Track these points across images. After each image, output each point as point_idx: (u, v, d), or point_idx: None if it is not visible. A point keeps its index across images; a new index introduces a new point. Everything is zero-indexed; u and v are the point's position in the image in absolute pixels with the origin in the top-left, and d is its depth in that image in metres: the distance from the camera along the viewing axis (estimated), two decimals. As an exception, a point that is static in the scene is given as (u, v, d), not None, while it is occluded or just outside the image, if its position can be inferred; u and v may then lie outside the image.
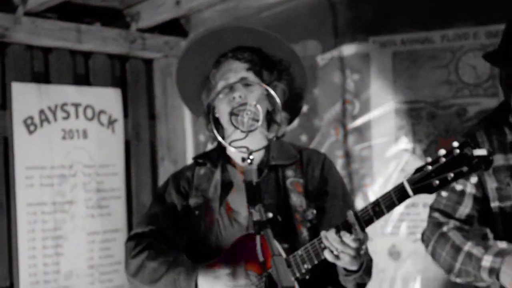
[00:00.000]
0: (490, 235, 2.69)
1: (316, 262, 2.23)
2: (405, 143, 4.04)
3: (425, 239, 2.78)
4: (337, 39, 4.19)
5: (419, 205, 3.93)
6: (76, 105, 4.18)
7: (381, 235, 4.05)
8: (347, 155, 4.19)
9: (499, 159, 2.63)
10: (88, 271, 4.15)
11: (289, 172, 2.48)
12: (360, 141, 4.15)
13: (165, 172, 4.49)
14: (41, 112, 4.02)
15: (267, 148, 2.49)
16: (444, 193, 2.12)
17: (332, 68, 4.22)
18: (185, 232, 2.51)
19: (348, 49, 4.17)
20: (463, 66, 3.90)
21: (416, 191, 2.06)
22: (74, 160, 4.14)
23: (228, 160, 2.56)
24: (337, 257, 2.16)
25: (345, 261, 2.17)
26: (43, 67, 4.11)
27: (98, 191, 4.24)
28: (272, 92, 2.29)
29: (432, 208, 2.78)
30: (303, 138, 4.28)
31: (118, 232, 4.29)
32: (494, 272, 2.49)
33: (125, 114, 4.44)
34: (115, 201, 4.31)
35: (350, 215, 2.12)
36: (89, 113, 4.23)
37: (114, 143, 4.35)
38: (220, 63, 2.51)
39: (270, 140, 2.48)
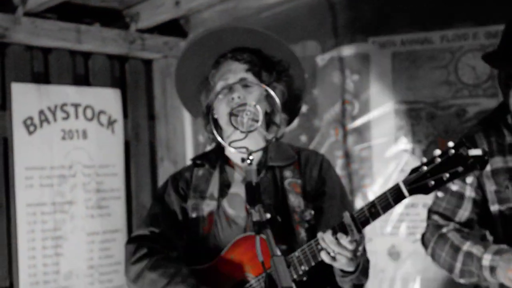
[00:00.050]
0: (490, 237, 2.68)
1: (313, 263, 2.23)
2: (405, 143, 4.04)
3: (424, 241, 2.78)
4: (336, 40, 4.19)
5: (419, 206, 3.93)
6: (76, 106, 4.18)
7: (381, 235, 4.05)
8: (347, 156, 4.19)
9: (498, 162, 2.63)
10: (87, 271, 4.15)
11: (287, 173, 2.48)
12: (359, 141, 4.15)
13: (164, 172, 4.49)
14: (41, 112, 4.02)
15: (265, 149, 2.49)
16: (440, 194, 2.12)
17: (332, 68, 4.22)
18: (185, 233, 2.51)
19: (348, 50, 4.17)
20: (463, 66, 3.90)
21: (411, 192, 2.06)
22: (73, 160, 4.14)
23: (226, 161, 2.56)
24: (333, 258, 2.16)
25: (342, 263, 2.17)
26: (43, 68, 4.11)
27: (98, 192, 4.24)
28: (272, 93, 2.30)
29: (431, 211, 2.78)
30: (303, 138, 4.28)
31: (118, 232, 4.29)
32: (494, 270, 2.49)
33: (125, 115, 4.44)
34: (114, 202, 4.31)
35: (346, 216, 2.12)
36: (88, 113, 4.23)
37: (114, 143, 4.35)
38: (220, 63, 2.51)
39: (269, 141, 2.48)
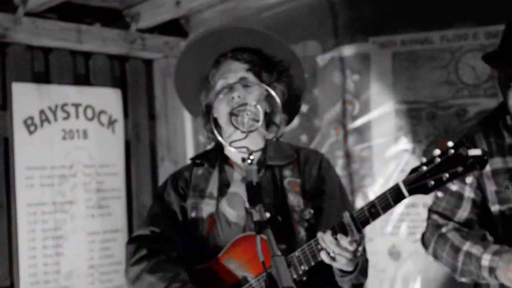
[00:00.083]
0: (490, 238, 2.69)
1: (313, 263, 2.23)
2: (405, 143, 4.04)
3: (425, 241, 2.79)
4: (337, 40, 4.19)
5: (419, 205, 3.93)
6: (76, 105, 4.18)
7: (381, 235, 4.05)
8: (347, 156, 4.19)
9: (497, 162, 2.63)
10: (88, 271, 4.16)
11: (286, 172, 2.48)
12: (360, 141, 4.15)
13: (165, 172, 4.49)
14: (41, 112, 4.02)
15: (264, 148, 2.49)
16: (440, 194, 2.11)
17: (332, 68, 4.22)
18: (184, 232, 2.51)
19: (348, 50, 4.17)
20: (463, 66, 3.90)
21: (411, 192, 2.06)
22: (74, 160, 4.14)
23: (226, 160, 2.56)
24: (333, 259, 2.16)
25: (342, 263, 2.17)
26: (44, 67, 4.12)
27: (98, 191, 4.24)
28: (273, 93, 2.30)
29: (431, 211, 2.78)
30: (303, 138, 4.28)
31: (118, 232, 4.30)
32: (493, 271, 2.49)
33: (125, 115, 4.45)
34: (115, 201, 4.32)
35: (346, 216, 2.12)
36: (89, 113, 4.24)
37: (114, 143, 4.35)
38: (220, 63, 2.51)
39: (269, 140, 2.48)
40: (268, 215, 1.95)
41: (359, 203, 4.06)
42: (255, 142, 2.43)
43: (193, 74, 2.57)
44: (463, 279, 2.67)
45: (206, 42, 2.52)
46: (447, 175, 2.00)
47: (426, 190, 2.04)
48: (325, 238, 2.13)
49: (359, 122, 4.16)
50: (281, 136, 2.58)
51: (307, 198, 2.45)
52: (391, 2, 4.01)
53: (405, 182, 2.06)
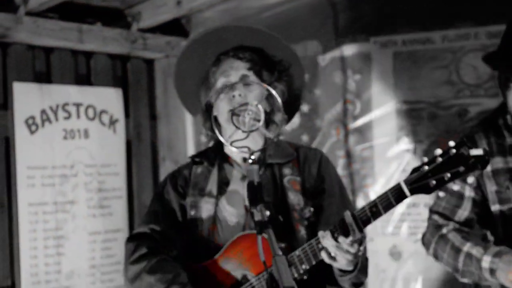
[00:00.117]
0: (491, 237, 2.69)
1: (314, 262, 2.23)
2: (406, 143, 4.04)
3: (425, 242, 2.79)
4: (338, 39, 4.19)
5: (420, 205, 3.93)
6: (78, 105, 4.18)
7: (382, 235, 4.05)
8: (348, 155, 4.19)
9: (498, 162, 2.63)
10: (89, 271, 4.16)
11: (286, 170, 2.48)
12: (361, 141, 4.15)
13: (166, 172, 4.47)
14: (43, 112, 4.02)
15: (264, 147, 2.50)
16: (441, 194, 2.11)
17: (333, 68, 4.22)
18: (184, 230, 2.50)
19: (349, 49, 4.17)
20: (464, 66, 3.90)
21: (413, 192, 2.06)
22: (75, 160, 4.14)
23: (225, 158, 2.55)
24: (334, 258, 2.16)
25: (342, 264, 2.17)
26: (45, 67, 4.12)
27: (100, 191, 4.24)
28: (274, 93, 2.30)
29: (432, 211, 2.79)
30: (304, 138, 4.28)
31: (120, 232, 4.30)
32: (494, 272, 2.50)
33: (126, 114, 4.45)
34: (116, 201, 4.32)
35: (347, 216, 2.12)
36: (90, 113, 4.24)
37: (115, 143, 4.35)
38: (221, 61, 2.50)
39: (269, 139, 2.48)
40: (268, 213, 1.95)
41: (360, 203, 4.06)
42: (256, 142, 2.44)
43: (193, 72, 2.57)
44: (465, 280, 2.67)
45: (207, 40, 2.52)
46: (448, 174, 1.99)
47: (427, 190, 2.04)
48: (326, 242, 2.13)
49: (360, 122, 4.16)
50: (280, 134, 2.58)
51: (307, 196, 2.45)
52: (392, 2, 4.01)
53: (406, 181, 2.06)
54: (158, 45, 4.50)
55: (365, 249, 2.32)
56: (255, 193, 2.01)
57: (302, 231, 2.39)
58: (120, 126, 4.37)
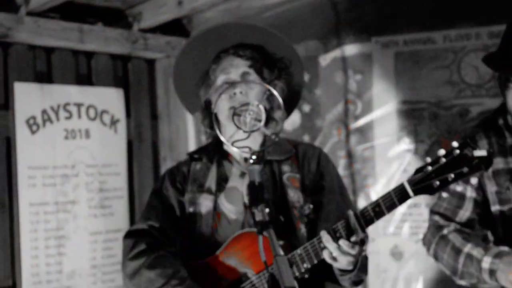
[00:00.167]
0: (491, 238, 2.69)
1: (315, 261, 2.23)
2: (407, 143, 4.04)
3: (426, 242, 2.79)
4: (339, 39, 4.19)
5: (422, 206, 3.93)
6: (79, 105, 4.18)
7: (384, 235, 4.05)
8: (349, 156, 4.19)
9: (499, 163, 2.62)
10: (90, 271, 4.16)
11: (285, 167, 2.48)
12: (362, 141, 4.15)
13: (167, 172, 4.49)
14: (44, 112, 4.02)
15: (263, 144, 2.49)
16: (444, 195, 2.11)
17: (335, 68, 4.22)
18: (183, 227, 2.50)
19: (350, 50, 4.17)
20: (466, 66, 3.90)
21: (416, 192, 2.06)
22: (76, 160, 4.14)
23: (224, 155, 2.55)
24: (335, 259, 2.16)
25: (343, 264, 2.17)
26: (46, 67, 4.11)
27: (101, 191, 4.24)
28: (275, 93, 2.30)
29: (433, 211, 2.78)
30: (305, 138, 4.28)
31: (121, 232, 4.28)
32: (493, 273, 2.49)
33: (128, 114, 4.45)
34: (117, 201, 4.32)
35: (350, 216, 2.12)
36: (91, 113, 4.24)
37: (117, 143, 4.35)
38: (221, 58, 2.50)
39: (268, 136, 2.47)
40: (267, 210, 1.95)
41: (361, 203, 4.06)
42: (257, 141, 2.44)
43: (193, 70, 2.57)
44: (462, 282, 2.67)
45: (208, 38, 2.52)
46: (452, 175, 2.00)
47: (431, 191, 2.04)
48: (328, 245, 2.14)
49: (361, 122, 4.16)
50: (280, 132, 2.57)
51: (306, 193, 2.45)
52: (394, 2, 4.01)
53: (410, 182, 2.06)
54: (159, 45, 4.50)
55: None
56: (256, 193, 2.01)
57: (303, 229, 2.39)
58: (121, 126, 4.37)
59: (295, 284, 1.80)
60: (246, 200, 2.42)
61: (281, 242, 2.31)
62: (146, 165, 4.56)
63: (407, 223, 4.01)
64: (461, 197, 2.69)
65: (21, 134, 3.92)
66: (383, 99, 4.10)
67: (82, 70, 4.28)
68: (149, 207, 2.58)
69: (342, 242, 2.11)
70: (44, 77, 4.09)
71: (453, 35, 3.92)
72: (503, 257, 2.48)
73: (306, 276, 2.29)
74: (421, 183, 2.04)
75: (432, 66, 3.97)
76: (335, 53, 4.21)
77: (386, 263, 4.05)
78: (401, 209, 3.96)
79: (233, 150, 2.50)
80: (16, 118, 3.91)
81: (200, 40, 2.53)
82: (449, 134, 3.91)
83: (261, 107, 2.32)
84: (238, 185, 2.47)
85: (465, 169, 1.98)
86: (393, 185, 2.11)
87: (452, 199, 2.70)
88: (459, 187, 2.65)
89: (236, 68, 2.46)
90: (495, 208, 2.65)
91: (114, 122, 4.33)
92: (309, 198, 2.45)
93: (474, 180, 2.04)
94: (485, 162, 1.98)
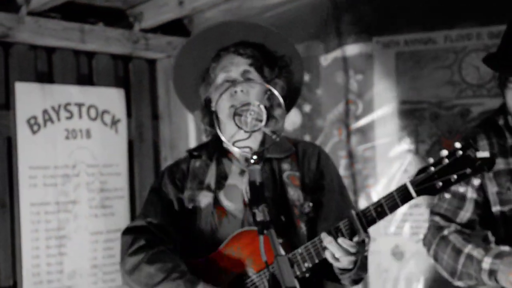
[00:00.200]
0: (492, 238, 2.68)
1: (316, 261, 2.23)
2: (408, 143, 4.04)
3: (426, 243, 2.78)
4: (340, 40, 4.19)
5: (423, 206, 3.93)
6: (80, 105, 4.18)
7: (384, 235, 4.05)
8: (350, 156, 4.19)
9: (499, 163, 2.62)
10: (91, 270, 4.16)
11: (285, 166, 2.48)
12: (363, 141, 4.15)
13: (168, 172, 4.49)
14: (45, 112, 4.02)
15: (262, 142, 2.49)
16: (445, 195, 2.11)
17: (335, 68, 4.22)
18: (182, 224, 2.50)
19: (351, 50, 4.17)
20: (466, 66, 3.90)
21: (419, 193, 2.06)
22: (77, 160, 4.14)
23: (224, 153, 2.55)
24: (336, 259, 2.16)
25: (344, 264, 2.18)
26: (47, 67, 4.12)
27: (102, 191, 4.24)
28: (276, 93, 2.30)
29: (433, 212, 2.78)
30: (306, 138, 4.28)
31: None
32: (493, 274, 2.49)
33: (129, 114, 4.45)
34: (118, 201, 4.32)
35: (352, 215, 2.12)
36: (92, 113, 4.24)
37: (118, 143, 4.35)
38: (221, 56, 2.50)
39: (267, 134, 2.47)
40: (269, 210, 1.94)
41: (362, 203, 4.06)
42: (257, 141, 2.44)
43: (192, 68, 2.56)
44: (460, 283, 2.66)
45: (208, 36, 2.51)
46: (455, 176, 1.99)
47: (434, 192, 2.04)
48: (329, 246, 2.14)
49: (362, 122, 4.16)
50: (281, 131, 2.57)
51: (306, 191, 2.45)
52: (395, 2, 4.01)
53: (412, 182, 2.06)
54: (160, 45, 4.50)
55: (365, 249, 2.32)
56: (257, 193, 2.01)
57: (303, 228, 2.39)
58: (122, 126, 4.37)
59: (296, 284, 1.80)
60: (246, 198, 2.42)
61: (280, 240, 2.30)
62: (147, 165, 4.57)
63: (408, 223, 4.01)
64: (462, 198, 2.69)
65: (22, 134, 3.92)
66: (384, 99, 4.10)
67: (83, 70, 4.28)
68: (148, 204, 2.57)
69: (344, 242, 2.11)
70: (45, 77, 4.10)
71: (454, 35, 3.92)
72: (504, 258, 2.48)
73: (307, 275, 2.29)
74: (424, 183, 2.04)
75: (433, 66, 3.98)
76: (336, 53, 4.21)
77: (387, 263, 4.05)
78: (402, 209, 3.91)
79: (233, 149, 2.50)
80: (17, 118, 3.91)
81: (201, 38, 2.53)
82: (450, 134, 3.91)
83: (262, 107, 2.32)
84: (238, 182, 2.47)
85: (468, 170, 1.98)
86: (394, 185, 2.11)
87: (453, 200, 2.70)
88: (460, 188, 2.65)
89: (236, 66, 2.45)
90: (496, 208, 2.65)
91: (115, 122, 4.33)
92: (309, 196, 2.44)
93: (476, 181, 2.03)
94: (488, 163, 1.98)
